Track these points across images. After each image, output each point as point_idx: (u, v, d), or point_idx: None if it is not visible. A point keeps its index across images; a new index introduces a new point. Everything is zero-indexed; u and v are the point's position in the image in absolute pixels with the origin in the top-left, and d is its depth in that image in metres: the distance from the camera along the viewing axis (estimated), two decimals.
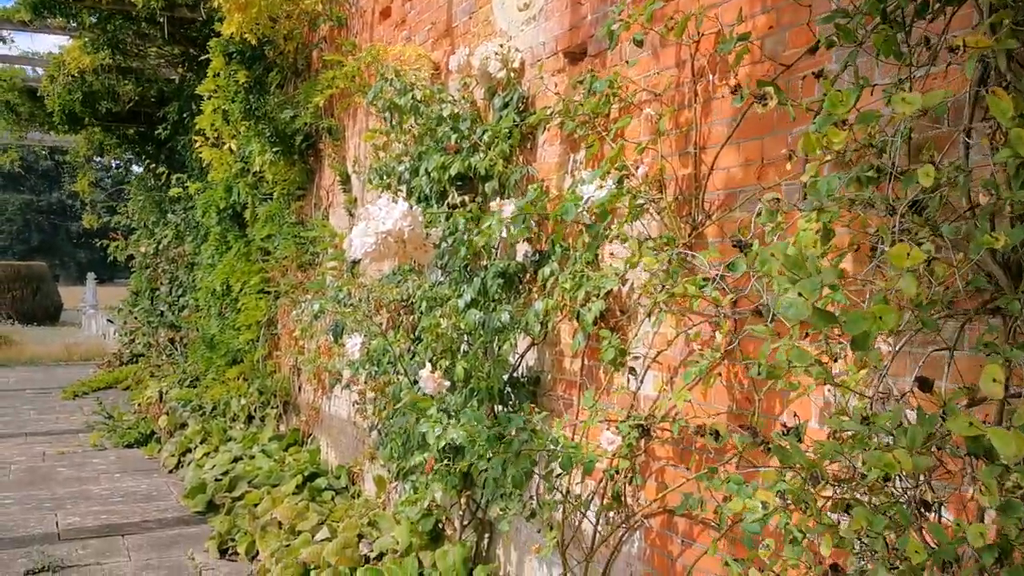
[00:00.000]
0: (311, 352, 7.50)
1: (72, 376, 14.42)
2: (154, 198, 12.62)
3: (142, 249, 12.67)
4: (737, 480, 2.59)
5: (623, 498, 3.48)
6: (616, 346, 3.40)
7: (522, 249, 4.40)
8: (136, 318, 13.97)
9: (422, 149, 5.12)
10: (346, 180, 7.10)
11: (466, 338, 4.52)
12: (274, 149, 7.68)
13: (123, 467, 8.17)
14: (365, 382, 6.11)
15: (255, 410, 8.66)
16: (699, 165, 3.32)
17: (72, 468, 8.09)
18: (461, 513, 4.80)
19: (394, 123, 5.30)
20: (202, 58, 7.89)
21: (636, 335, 3.55)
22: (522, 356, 4.38)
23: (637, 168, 3.54)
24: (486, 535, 4.79)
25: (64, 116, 10.79)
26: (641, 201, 3.33)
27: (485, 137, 4.46)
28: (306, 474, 6.64)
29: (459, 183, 4.72)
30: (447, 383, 4.04)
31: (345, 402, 7.07)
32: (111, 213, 14.69)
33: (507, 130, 4.30)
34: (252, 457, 7.42)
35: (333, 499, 6.33)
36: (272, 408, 8.54)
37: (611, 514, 3.59)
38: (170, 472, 7.95)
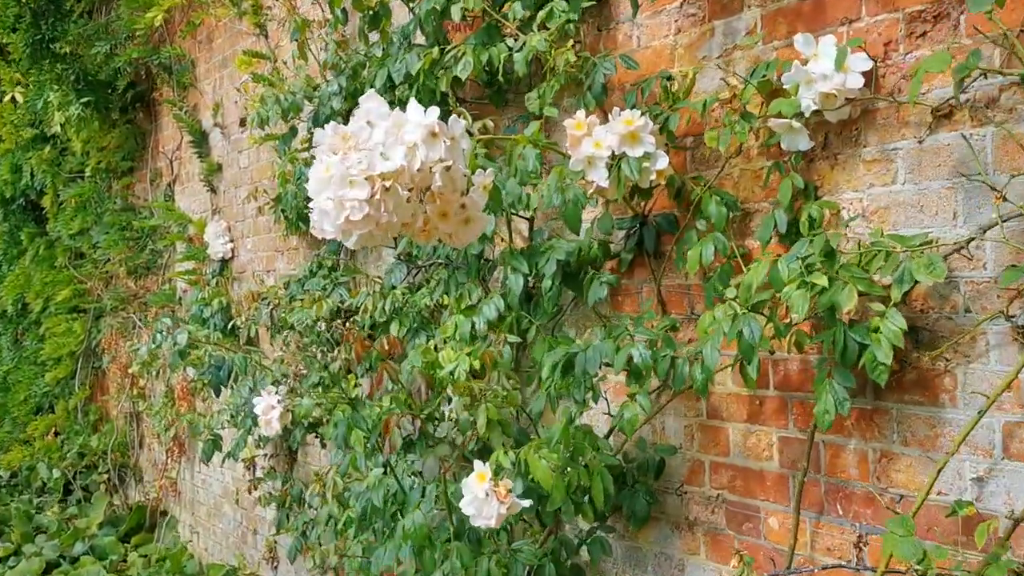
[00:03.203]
0: (160, 398, 5.09)
1: None
2: None
3: None
4: None
5: None
6: None
7: (588, 218, 2.33)
8: None
9: (362, 57, 2.94)
10: (202, 139, 4.75)
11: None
12: (82, 100, 5.18)
13: None
14: (267, 455, 3.86)
15: (74, 478, 6.10)
16: None
17: None
18: None
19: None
20: None
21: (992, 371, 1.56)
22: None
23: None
24: None
25: None
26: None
27: (518, 6, 2.33)
28: None
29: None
30: (524, 502, 1.92)
31: (219, 469, 4.74)
32: None
33: None
34: (75, 561, 4.95)
35: None
36: (101, 475, 6.02)
37: None
38: None
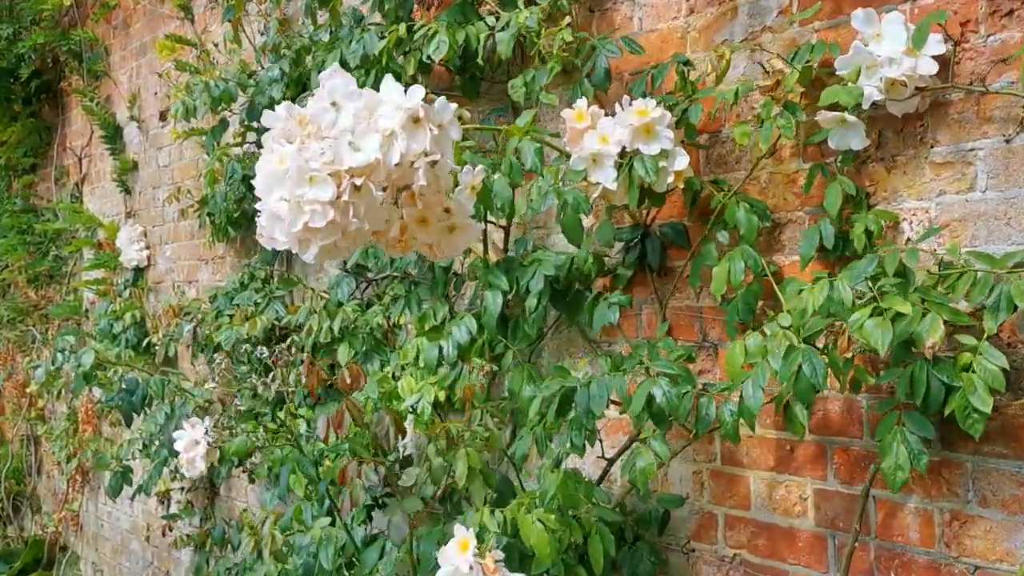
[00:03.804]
0: (62, 420, 4.57)
1: None
2: None
3: None
4: None
5: None
6: None
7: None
8: None
9: (306, 40, 2.58)
10: (115, 134, 4.28)
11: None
12: None
13: None
14: (183, 488, 3.43)
15: None
16: None
17: None
18: None
19: None
20: None
21: None
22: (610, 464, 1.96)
23: None
24: None
25: None
26: None
27: None
28: None
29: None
30: None
31: (128, 501, 4.25)
32: None
33: None
34: None
35: None
36: None
37: None
38: None
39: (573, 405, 1.69)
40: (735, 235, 1.71)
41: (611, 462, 1.97)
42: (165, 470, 3.33)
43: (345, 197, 1.26)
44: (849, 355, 1.42)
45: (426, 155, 1.32)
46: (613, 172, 1.67)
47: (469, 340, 2.11)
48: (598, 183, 1.69)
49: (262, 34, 2.98)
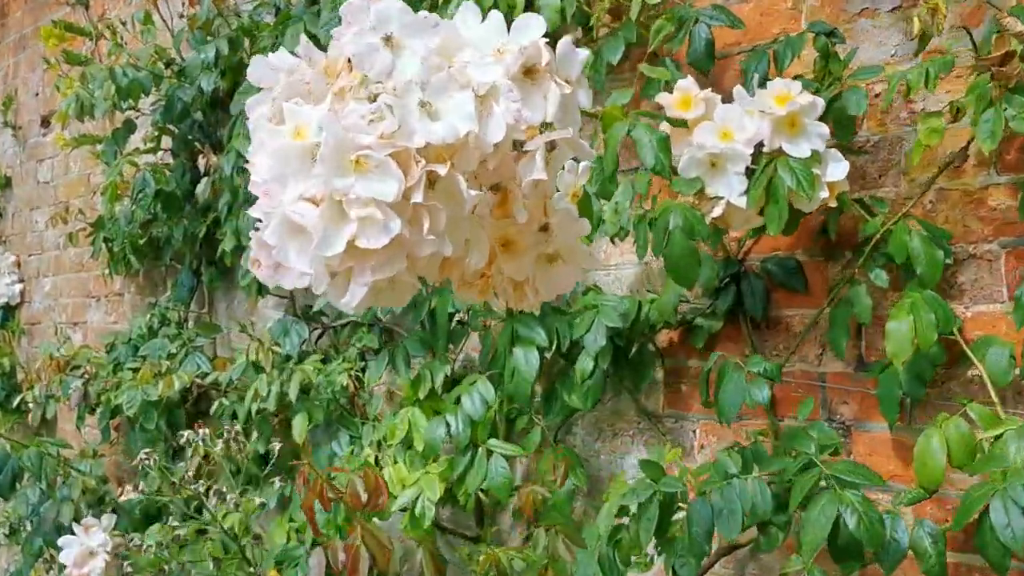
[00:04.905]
0: None
1: None
2: None
3: None
4: None
5: None
6: None
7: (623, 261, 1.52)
8: None
9: (246, 20, 2.01)
10: None
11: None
12: None
13: None
14: None
15: None
16: None
17: None
18: None
19: None
20: None
21: None
22: None
23: None
24: None
25: None
26: None
27: None
28: None
29: None
30: None
31: None
32: None
33: None
34: None
35: None
36: None
37: None
38: None
39: (678, 522, 1.17)
40: (898, 275, 1.22)
41: None
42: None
43: (418, 196, 0.69)
44: None
45: (544, 130, 0.77)
46: (742, 182, 1.15)
47: (484, 413, 1.55)
48: (718, 197, 1.17)
49: (182, 16, 2.38)
